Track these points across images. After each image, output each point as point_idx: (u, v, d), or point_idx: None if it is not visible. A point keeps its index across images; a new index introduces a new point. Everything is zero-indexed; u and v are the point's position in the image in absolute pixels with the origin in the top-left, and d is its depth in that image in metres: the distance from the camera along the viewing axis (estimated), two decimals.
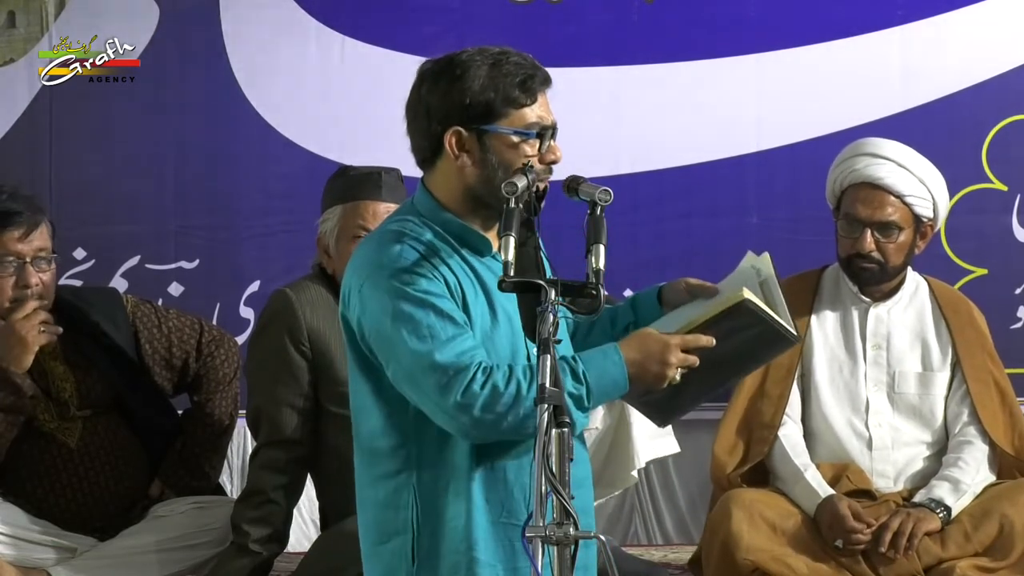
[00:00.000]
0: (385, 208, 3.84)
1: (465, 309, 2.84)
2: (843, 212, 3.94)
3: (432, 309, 2.78)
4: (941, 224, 4.05)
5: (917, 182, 3.90)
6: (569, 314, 2.78)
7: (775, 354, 3.20)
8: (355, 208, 3.86)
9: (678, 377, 2.87)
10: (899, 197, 3.89)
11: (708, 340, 2.90)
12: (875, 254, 3.90)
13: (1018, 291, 5.16)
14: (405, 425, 2.87)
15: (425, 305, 2.79)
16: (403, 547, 2.86)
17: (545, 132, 2.87)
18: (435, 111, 2.87)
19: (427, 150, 2.90)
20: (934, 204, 3.94)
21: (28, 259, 3.94)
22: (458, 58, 2.88)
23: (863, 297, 3.98)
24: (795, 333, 3.05)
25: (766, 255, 3.09)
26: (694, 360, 2.87)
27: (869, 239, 3.88)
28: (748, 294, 2.95)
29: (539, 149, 2.87)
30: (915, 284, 4.05)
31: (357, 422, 2.96)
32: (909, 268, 4.01)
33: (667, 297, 3.10)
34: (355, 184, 3.91)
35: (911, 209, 3.91)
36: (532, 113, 2.87)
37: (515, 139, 2.86)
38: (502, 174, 2.84)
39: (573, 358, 2.83)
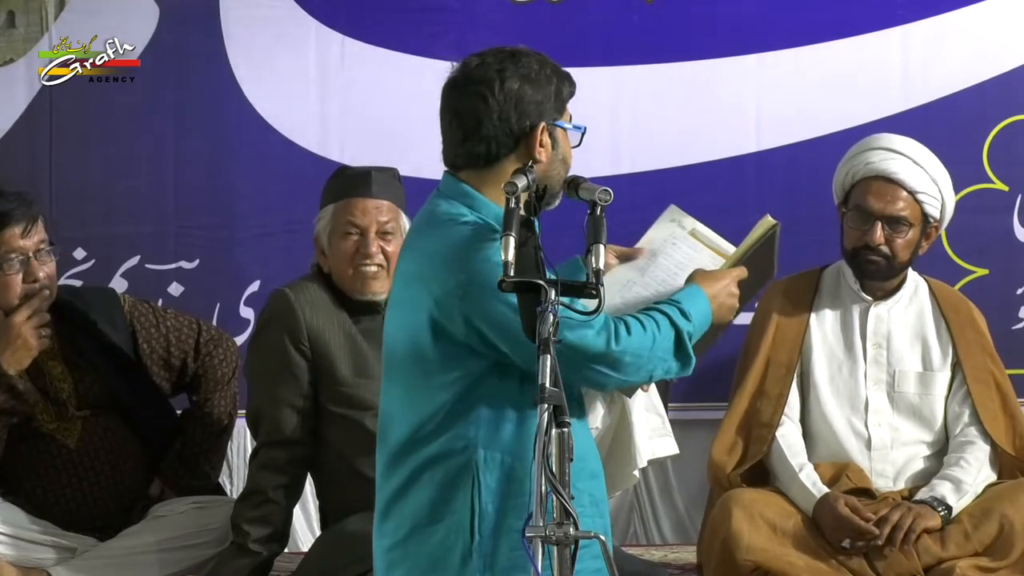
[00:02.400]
0: (375, 204, 3.87)
1: None
2: (853, 204, 3.94)
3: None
4: (945, 227, 4.05)
5: (930, 181, 3.91)
6: (572, 314, 2.80)
7: (756, 290, 3.37)
8: (345, 206, 3.89)
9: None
10: (911, 193, 3.90)
11: (746, 272, 3.12)
12: (883, 248, 3.90)
13: (1019, 292, 5.15)
14: (471, 406, 2.89)
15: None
16: (461, 524, 2.87)
17: (571, 122, 2.99)
18: (529, 107, 2.92)
19: (504, 147, 2.94)
20: (942, 205, 3.94)
21: (31, 253, 3.95)
22: (521, 56, 2.94)
23: (864, 295, 3.99)
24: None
25: (675, 207, 3.26)
26: None
27: (879, 232, 3.89)
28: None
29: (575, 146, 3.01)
30: (915, 284, 4.05)
31: (410, 407, 2.94)
32: (910, 268, 4.01)
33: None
34: (347, 183, 3.94)
35: (921, 207, 3.92)
36: (569, 110, 3.01)
37: (573, 133, 2.99)
38: (560, 168, 2.97)
39: (671, 300, 2.98)
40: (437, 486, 2.89)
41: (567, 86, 2.99)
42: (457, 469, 2.88)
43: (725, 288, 3.07)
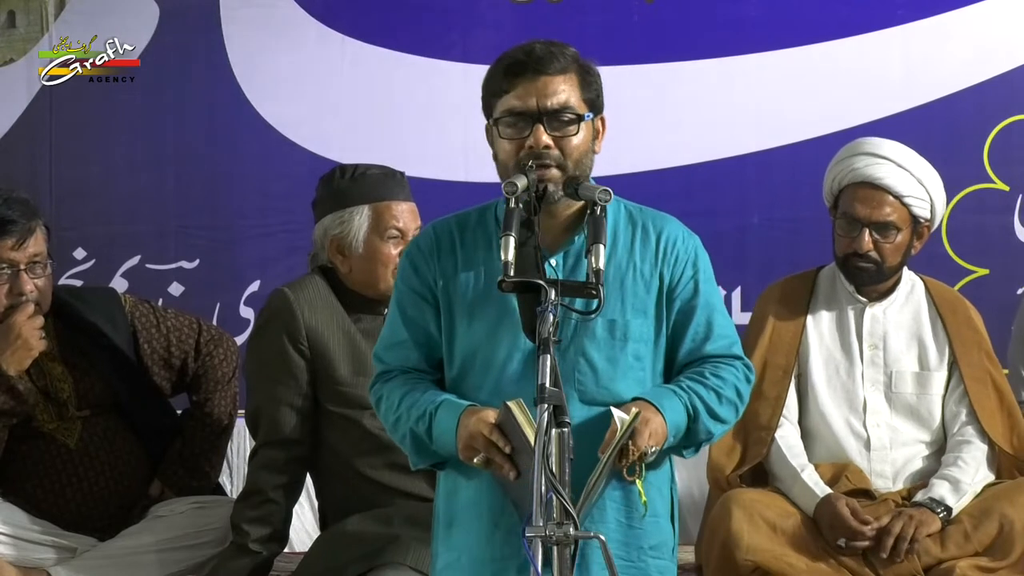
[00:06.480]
0: (411, 208, 3.86)
1: (478, 298, 2.93)
2: (841, 211, 3.94)
3: (397, 304, 3.04)
4: (938, 225, 4.05)
5: (916, 183, 3.91)
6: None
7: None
8: (388, 208, 3.84)
9: (476, 461, 2.80)
10: (898, 197, 3.89)
11: (504, 445, 2.76)
12: (872, 254, 3.90)
13: (1020, 291, 5.15)
14: None
15: (399, 299, 3.04)
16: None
17: (502, 117, 2.90)
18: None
19: None
20: (932, 205, 3.94)
21: (22, 266, 3.92)
22: None
23: (859, 297, 3.98)
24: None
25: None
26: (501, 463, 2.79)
27: (867, 239, 3.89)
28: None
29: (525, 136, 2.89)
30: (911, 284, 4.05)
31: None
32: (905, 268, 4.01)
33: None
34: (380, 184, 3.87)
35: (909, 210, 3.91)
36: (509, 100, 2.90)
37: (496, 128, 2.92)
38: (498, 166, 2.93)
39: (442, 402, 2.92)
40: None
41: (490, 83, 2.94)
42: None
43: (472, 424, 2.82)
